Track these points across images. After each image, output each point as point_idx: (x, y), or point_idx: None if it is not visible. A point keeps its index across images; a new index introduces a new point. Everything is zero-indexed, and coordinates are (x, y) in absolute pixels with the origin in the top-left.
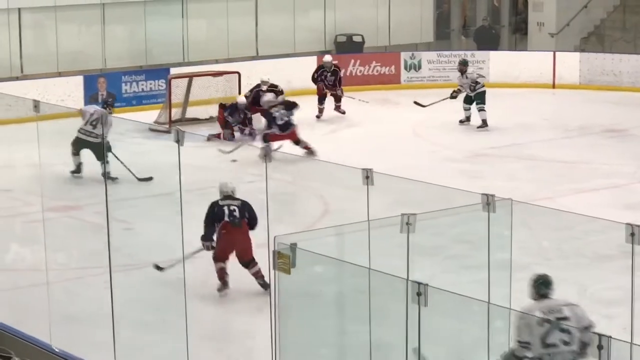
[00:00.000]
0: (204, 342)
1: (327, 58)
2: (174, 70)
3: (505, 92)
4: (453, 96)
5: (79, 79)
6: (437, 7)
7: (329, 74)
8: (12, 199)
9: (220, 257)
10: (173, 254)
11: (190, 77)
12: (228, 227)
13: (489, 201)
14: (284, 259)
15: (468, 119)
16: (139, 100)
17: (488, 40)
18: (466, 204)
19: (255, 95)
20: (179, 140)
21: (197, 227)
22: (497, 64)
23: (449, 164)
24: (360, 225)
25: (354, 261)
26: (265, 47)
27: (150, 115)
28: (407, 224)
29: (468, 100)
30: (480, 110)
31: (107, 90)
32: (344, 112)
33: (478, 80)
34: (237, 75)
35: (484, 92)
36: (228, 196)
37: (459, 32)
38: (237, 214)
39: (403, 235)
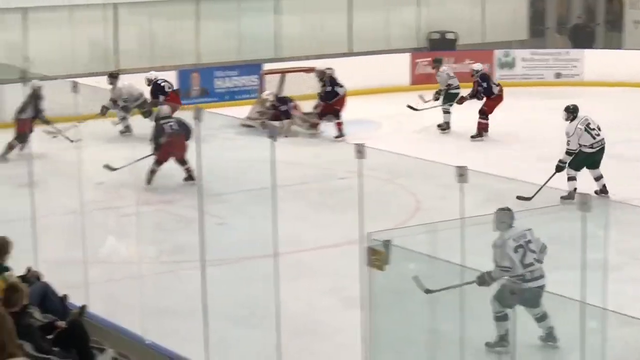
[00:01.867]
0: (294, 338)
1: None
2: (266, 66)
3: (599, 91)
4: (460, 102)
5: (173, 74)
6: (532, 5)
7: None
8: (105, 192)
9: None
10: (265, 250)
11: (283, 73)
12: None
13: (584, 200)
14: (378, 256)
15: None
16: (232, 96)
17: (583, 38)
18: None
19: None
20: (272, 136)
21: (287, 223)
22: (591, 63)
23: (542, 163)
24: (453, 223)
25: (446, 258)
26: (358, 44)
27: (242, 110)
28: (502, 222)
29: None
30: (445, 112)
31: (200, 86)
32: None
33: (450, 81)
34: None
35: (456, 94)
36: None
37: (554, 29)
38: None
39: (494, 233)
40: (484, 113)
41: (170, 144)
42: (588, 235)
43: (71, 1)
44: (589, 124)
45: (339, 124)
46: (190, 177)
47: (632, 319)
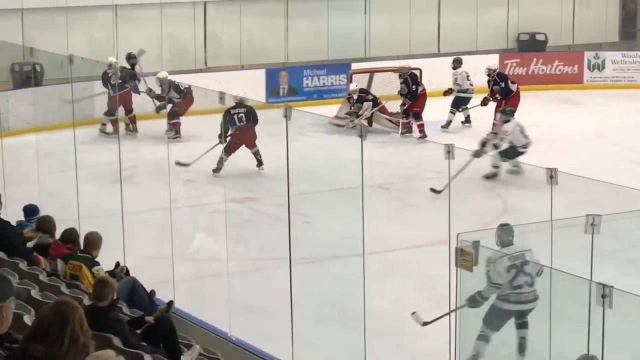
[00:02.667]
0: (381, 337)
1: None
2: (355, 66)
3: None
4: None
5: (261, 72)
6: (624, 6)
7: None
8: (194, 189)
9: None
10: (353, 250)
11: (371, 72)
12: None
13: None
14: (467, 256)
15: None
16: (320, 95)
17: None
18: None
19: None
20: (362, 136)
21: (374, 223)
22: None
23: (632, 166)
24: (542, 225)
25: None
26: (447, 44)
27: (330, 109)
28: (592, 224)
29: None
30: (452, 112)
31: (288, 84)
32: None
33: (466, 85)
34: (418, 71)
35: (468, 99)
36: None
37: None
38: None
39: (584, 237)
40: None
41: (239, 134)
42: None
43: None
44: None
45: (420, 126)
46: (259, 162)
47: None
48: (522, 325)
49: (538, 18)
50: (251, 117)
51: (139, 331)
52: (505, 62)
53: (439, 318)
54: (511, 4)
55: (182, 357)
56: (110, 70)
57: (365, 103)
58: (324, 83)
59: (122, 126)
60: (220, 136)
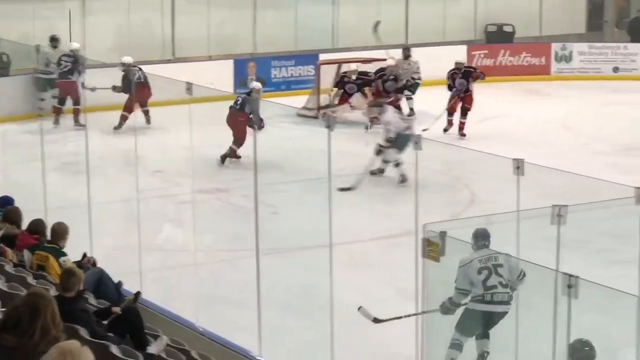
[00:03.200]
0: (349, 328)
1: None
2: (323, 56)
3: None
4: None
5: (229, 63)
6: None
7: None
8: (163, 180)
9: None
10: (321, 240)
11: (340, 63)
12: None
13: None
14: (433, 247)
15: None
16: (288, 86)
17: None
18: (618, 198)
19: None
20: (329, 126)
21: (343, 213)
22: None
23: (599, 157)
24: (509, 216)
25: (501, 251)
26: (415, 35)
27: (298, 100)
28: (558, 215)
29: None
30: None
31: (256, 75)
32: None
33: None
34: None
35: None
36: None
37: (612, 23)
38: None
39: (550, 228)
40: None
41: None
42: None
43: None
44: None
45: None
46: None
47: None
48: (484, 335)
49: (506, 9)
50: (245, 105)
51: (105, 322)
52: (473, 53)
53: (396, 318)
54: None
55: (148, 347)
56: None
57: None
58: (292, 74)
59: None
60: None
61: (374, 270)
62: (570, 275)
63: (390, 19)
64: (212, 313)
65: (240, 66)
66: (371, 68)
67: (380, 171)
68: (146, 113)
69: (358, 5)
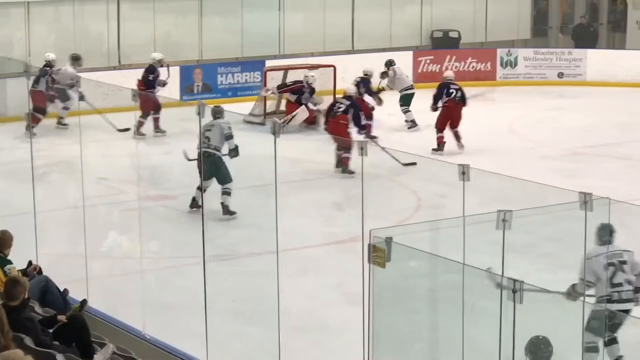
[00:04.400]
0: (297, 334)
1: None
2: (269, 63)
3: (602, 91)
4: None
5: (176, 70)
6: (535, 4)
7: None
8: (109, 187)
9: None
10: (268, 247)
11: (286, 69)
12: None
13: (586, 200)
14: (380, 253)
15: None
16: (234, 92)
17: (586, 38)
18: (563, 202)
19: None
20: (275, 132)
21: (289, 218)
22: (594, 62)
23: (545, 162)
24: (455, 221)
25: (447, 257)
26: (361, 41)
27: (245, 107)
28: (504, 220)
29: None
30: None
31: (202, 82)
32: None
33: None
34: (332, 68)
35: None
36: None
37: (557, 29)
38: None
39: (497, 233)
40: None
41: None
42: (591, 234)
43: None
44: None
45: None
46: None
47: (634, 319)
48: (613, 340)
49: (451, 15)
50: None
51: (51, 330)
52: (419, 59)
53: (538, 290)
54: (424, 1)
55: (95, 356)
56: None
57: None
58: (238, 80)
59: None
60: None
61: (322, 276)
62: (515, 280)
63: (336, 26)
64: (160, 320)
65: (187, 73)
66: (316, 74)
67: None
68: (156, 120)
69: (304, 11)
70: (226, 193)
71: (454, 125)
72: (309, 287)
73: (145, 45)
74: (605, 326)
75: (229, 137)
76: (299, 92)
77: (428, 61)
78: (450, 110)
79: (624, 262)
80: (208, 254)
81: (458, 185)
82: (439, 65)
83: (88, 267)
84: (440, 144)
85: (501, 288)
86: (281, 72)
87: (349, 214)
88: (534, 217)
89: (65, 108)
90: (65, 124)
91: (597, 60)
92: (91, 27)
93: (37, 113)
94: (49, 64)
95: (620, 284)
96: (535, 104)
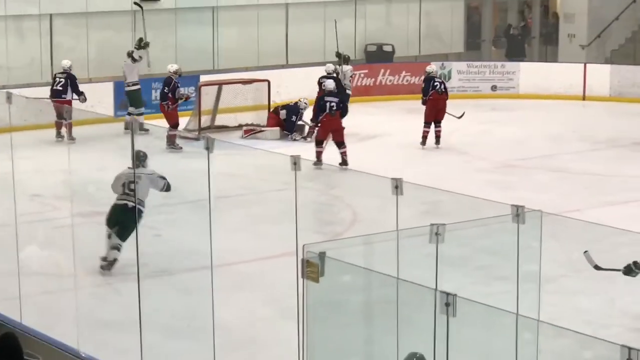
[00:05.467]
0: (232, 350)
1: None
2: (204, 78)
3: (535, 104)
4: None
5: (109, 85)
6: (468, 17)
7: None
8: (42, 204)
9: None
10: (203, 262)
11: (220, 84)
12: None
13: (518, 212)
14: (313, 268)
15: None
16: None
17: (518, 51)
18: (495, 215)
19: None
20: (208, 148)
21: (225, 234)
22: (527, 75)
23: (479, 175)
24: (389, 235)
25: (382, 271)
26: (295, 56)
27: (180, 122)
28: (437, 234)
29: None
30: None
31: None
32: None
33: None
34: (267, 83)
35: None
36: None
37: (490, 42)
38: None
39: (432, 246)
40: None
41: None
42: (524, 247)
43: (8, 12)
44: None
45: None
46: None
47: (565, 330)
48: None
49: (385, 29)
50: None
51: None
52: (354, 73)
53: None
54: (358, 15)
55: None
56: None
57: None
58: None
59: None
60: None
61: (257, 291)
62: (448, 294)
63: (270, 41)
64: (95, 338)
65: (121, 88)
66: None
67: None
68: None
69: (238, 26)
70: (116, 248)
71: (439, 118)
72: (244, 302)
73: (78, 61)
74: None
75: (164, 186)
76: (294, 111)
77: (362, 75)
78: (435, 102)
79: None
80: (143, 270)
81: (392, 199)
82: (373, 79)
83: (21, 285)
84: (424, 137)
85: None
86: (216, 87)
87: (284, 228)
88: (468, 230)
89: None
90: None
91: (530, 73)
92: (24, 43)
93: None
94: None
95: None
96: (469, 117)
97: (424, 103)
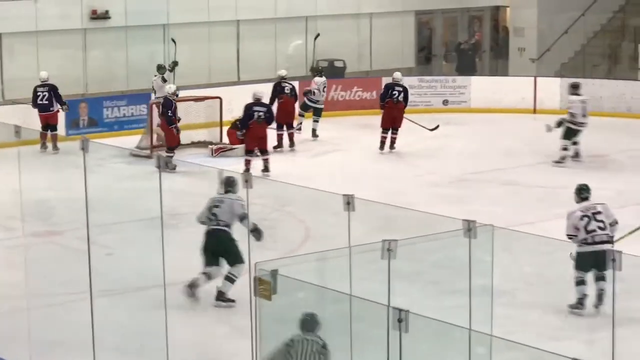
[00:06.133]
0: None
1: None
2: (155, 95)
3: (486, 118)
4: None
5: None
6: (419, 32)
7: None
8: None
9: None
10: (155, 280)
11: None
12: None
13: (470, 227)
14: (265, 286)
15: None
16: (121, 125)
17: (469, 66)
18: (447, 230)
19: None
20: (160, 166)
21: (178, 252)
22: (478, 89)
23: (431, 189)
24: (342, 252)
25: (335, 287)
26: (247, 72)
27: (131, 140)
28: (388, 250)
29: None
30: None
31: (88, 116)
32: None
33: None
34: (218, 100)
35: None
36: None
37: (441, 57)
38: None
39: (384, 261)
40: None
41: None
42: (477, 261)
43: None
44: None
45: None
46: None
47: (518, 345)
48: (600, 278)
49: (336, 45)
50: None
51: None
52: (306, 89)
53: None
54: (309, 31)
55: None
56: None
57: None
58: (124, 114)
59: None
60: None
61: (210, 309)
62: (400, 310)
63: (221, 57)
64: (47, 358)
65: (72, 107)
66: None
67: None
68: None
69: (189, 43)
70: (229, 280)
71: (396, 125)
72: (198, 320)
73: (29, 80)
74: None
75: (244, 217)
76: None
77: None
78: (390, 111)
79: (597, 213)
80: (95, 289)
81: (345, 215)
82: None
83: None
84: (382, 142)
85: None
86: None
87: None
88: (420, 244)
89: None
90: None
91: (481, 87)
92: None
93: None
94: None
95: (593, 230)
96: (422, 132)
97: (381, 108)
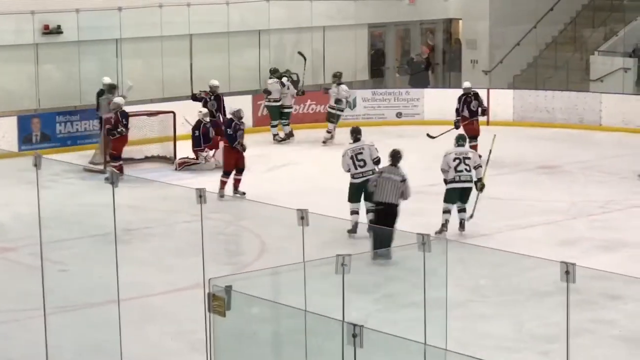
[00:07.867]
0: None
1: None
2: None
3: (440, 130)
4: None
5: (13, 120)
6: (372, 46)
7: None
8: None
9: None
10: (109, 296)
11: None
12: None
13: (424, 240)
14: (219, 302)
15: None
16: (74, 141)
17: (422, 78)
18: (402, 244)
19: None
20: (113, 182)
21: (132, 268)
22: (431, 102)
23: None
24: (296, 266)
25: (290, 301)
26: (200, 86)
27: (85, 155)
28: (342, 264)
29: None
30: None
31: (40, 131)
32: None
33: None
34: (172, 114)
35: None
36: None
37: (394, 70)
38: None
39: (339, 275)
40: None
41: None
42: (431, 274)
43: None
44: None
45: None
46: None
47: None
48: (462, 209)
49: (290, 58)
50: None
51: None
52: (259, 102)
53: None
54: (262, 45)
55: None
56: None
57: None
58: (77, 129)
59: None
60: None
61: (165, 324)
62: (355, 325)
63: (174, 72)
64: None
65: (25, 122)
66: (156, 121)
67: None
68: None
69: (142, 57)
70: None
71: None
72: (152, 335)
73: None
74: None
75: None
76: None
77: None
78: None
79: (466, 157)
80: (49, 305)
81: (299, 229)
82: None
83: None
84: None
85: None
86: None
87: (192, 261)
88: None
89: None
90: None
91: (434, 99)
92: None
93: None
94: None
95: (461, 171)
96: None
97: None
